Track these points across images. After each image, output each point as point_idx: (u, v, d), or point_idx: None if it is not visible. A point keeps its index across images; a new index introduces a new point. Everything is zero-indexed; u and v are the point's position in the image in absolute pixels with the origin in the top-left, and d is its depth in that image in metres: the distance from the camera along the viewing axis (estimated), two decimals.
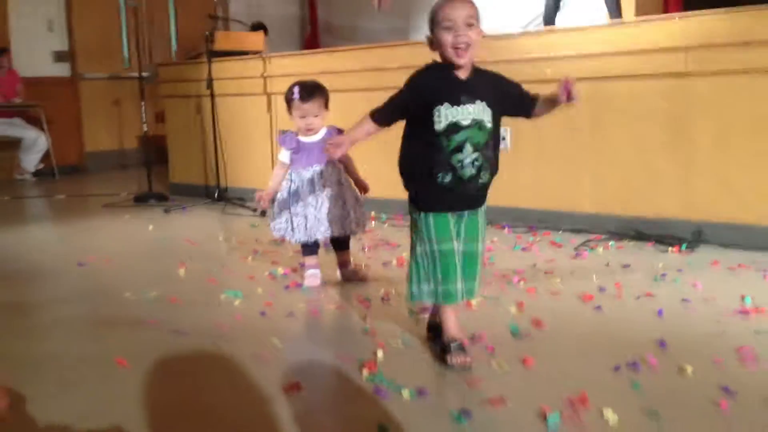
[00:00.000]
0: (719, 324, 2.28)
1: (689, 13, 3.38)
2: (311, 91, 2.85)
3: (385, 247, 3.60)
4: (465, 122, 1.95)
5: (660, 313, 2.40)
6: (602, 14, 5.73)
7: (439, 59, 2.04)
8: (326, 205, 2.85)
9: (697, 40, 3.32)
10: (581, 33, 3.77)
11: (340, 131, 2.81)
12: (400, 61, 4.39)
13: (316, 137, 2.87)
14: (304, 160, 2.87)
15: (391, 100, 2.05)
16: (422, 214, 2.03)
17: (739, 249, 3.24)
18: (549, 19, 5.66)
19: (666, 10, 6.42)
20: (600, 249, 3.37)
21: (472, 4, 1.97)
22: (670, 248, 3.29)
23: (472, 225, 2.07)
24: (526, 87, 2.09)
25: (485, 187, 2.05)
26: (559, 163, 3.86)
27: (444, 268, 2.01)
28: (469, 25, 1.94)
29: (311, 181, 2.86)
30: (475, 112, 1.96)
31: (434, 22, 1.97)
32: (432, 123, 1.95)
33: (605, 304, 2.53)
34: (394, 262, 3.26)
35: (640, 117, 3.55)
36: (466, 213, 2.06)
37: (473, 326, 2.29)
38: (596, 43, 3.65)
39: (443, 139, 1.95)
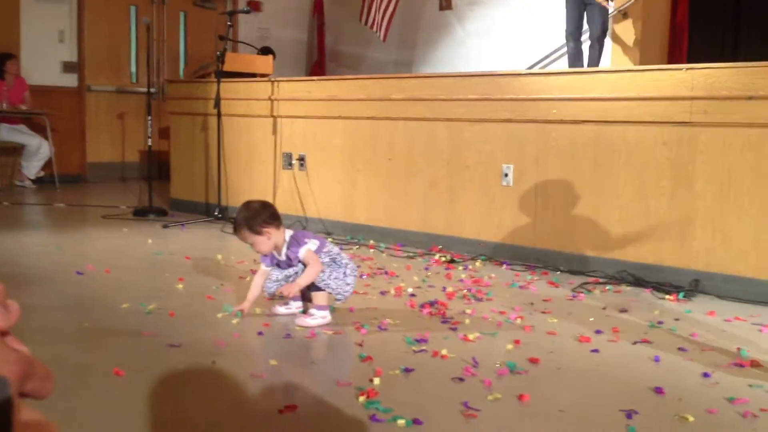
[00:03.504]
0: (714, 375, 2.29)
1: (696, 65, 3.45)
2: (235, 227, 2.78)
3: (383, 276, 3.61)
4: None
5: (657, 359, 2.41)
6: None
7: None
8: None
9: (702, 91, 3.38)
10: (588, 76, 3.83)
11: (296, 239, 2.72)
12: (406, 93, 4.45)
13: (281, 255, 2.76)
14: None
15: None
16: None
17: (735, 301, 3.26)
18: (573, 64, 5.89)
19: (671, 59, 6.56)
20: (597, 292, 3.39)
21: None
22: (667, 296, 3.31)
23: None
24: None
25: None
26: (560, 203, 3.89)
27: None
28: None
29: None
30: None
31: None
32: None
33: (602, 346, 2.54)
34: (392, 291, 3.26)
35: (642, 163, 3.59)
36: None
37: (469, 360, 2.30)
38: (602, 87, 3.71)
39: None
